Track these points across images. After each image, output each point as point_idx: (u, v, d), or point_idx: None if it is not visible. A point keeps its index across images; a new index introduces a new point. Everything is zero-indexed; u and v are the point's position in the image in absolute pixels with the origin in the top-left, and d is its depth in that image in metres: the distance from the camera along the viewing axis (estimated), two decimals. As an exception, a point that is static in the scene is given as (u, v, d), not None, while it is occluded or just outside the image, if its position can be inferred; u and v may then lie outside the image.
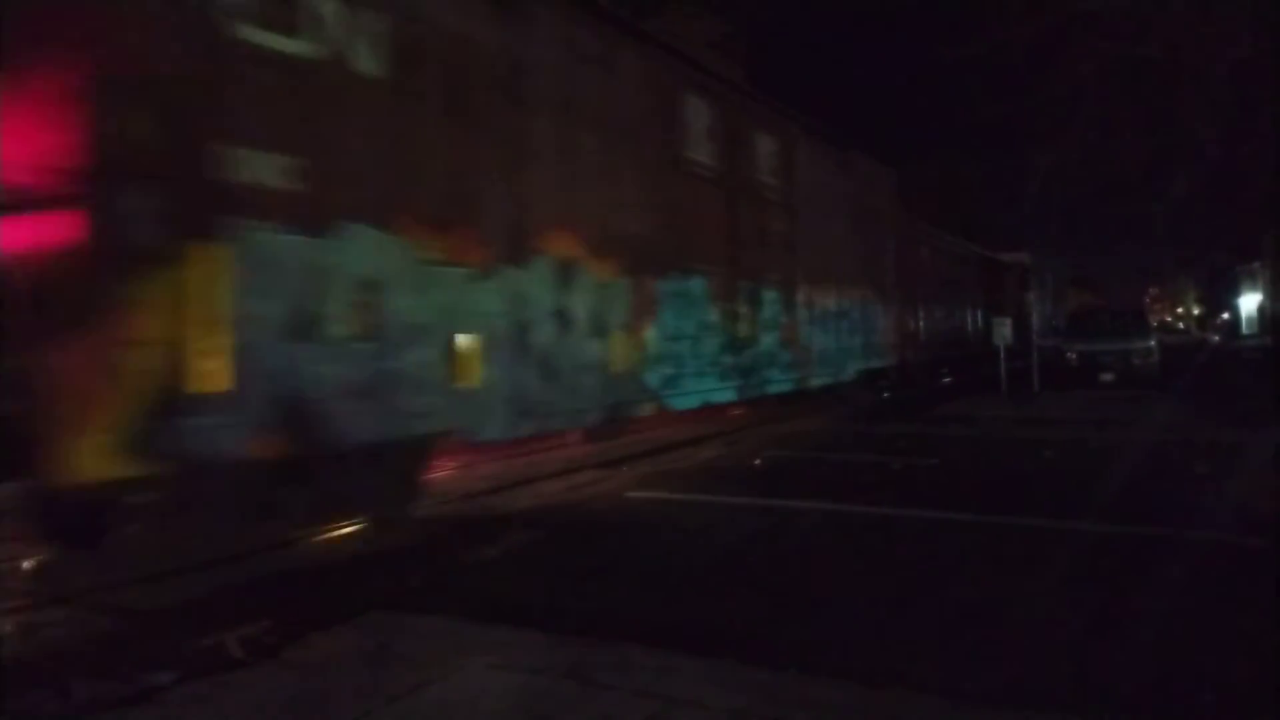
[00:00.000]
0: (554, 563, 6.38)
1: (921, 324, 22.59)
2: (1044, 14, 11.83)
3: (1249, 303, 50.88)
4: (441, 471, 9.79)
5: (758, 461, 10.74)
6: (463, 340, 7.20)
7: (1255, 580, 5.44)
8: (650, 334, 10.02)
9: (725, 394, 11.99)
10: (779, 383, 13.58)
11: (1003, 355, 18.86)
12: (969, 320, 28.54)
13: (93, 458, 4.77)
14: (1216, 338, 53.54)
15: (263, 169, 5.54)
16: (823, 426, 14.35)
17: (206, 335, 5.15)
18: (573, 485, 9.21)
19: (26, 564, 6.11)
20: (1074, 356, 20.03)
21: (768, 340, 13.16)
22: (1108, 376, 19.25)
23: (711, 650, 4.27)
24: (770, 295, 13.30)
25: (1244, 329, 50.73)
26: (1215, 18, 11.28)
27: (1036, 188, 13.61)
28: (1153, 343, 20.10)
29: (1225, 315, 59.42)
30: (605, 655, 4.22)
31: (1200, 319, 75.64)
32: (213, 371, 5.17)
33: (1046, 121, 13.21)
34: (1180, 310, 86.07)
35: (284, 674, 4.14)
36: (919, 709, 3.64)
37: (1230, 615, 4.80)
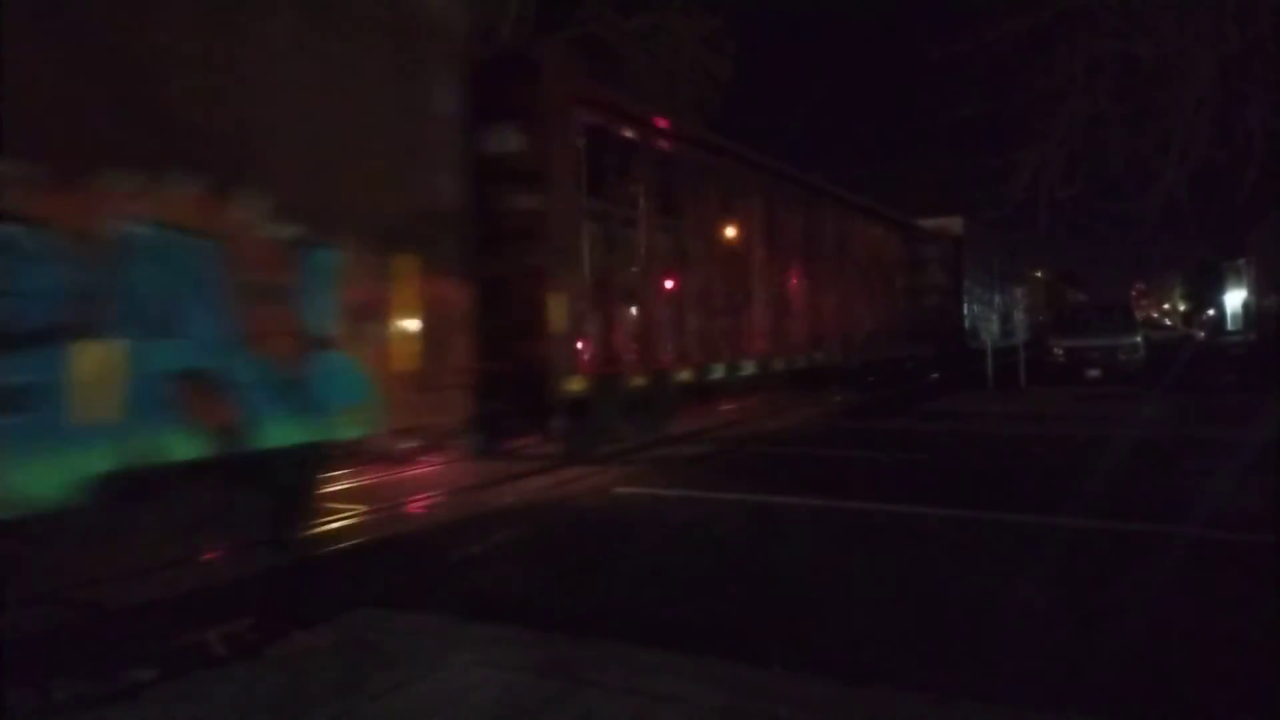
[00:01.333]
0: (539, 560, 6.36)
1: (718, 319, 13.13)
2: (1033, 11, 11.84)
3: (1234, 299, 51.11)
4: (426, 468, 9.76)
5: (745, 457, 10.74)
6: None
7: (1243, 576, 5.46)
8: None
9: None
10: None
11: (989, 353, 18.92)
12: (860, 314, 19.45)
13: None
14: (1202, 334, 53.82)
15: None
16: (811, 422, 14.35)
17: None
18: (560, 481, 9.18)
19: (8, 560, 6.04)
20: (1060, 353, 20.12)
21: None
22: (1094, 373, 19.34)
23: (697, 647, 4.25)
24: None
25: (1229, 325, 50.98)
26: (1203, 15, 11.31)
27: (1024, 184, 13.63)
28: (1139, 339, 20.20)
29: (1211, 311, 59.73)
30: (590, 652, 4.20)
31: (1186, 315, 76.06)
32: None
33: (1034, 117, 13.23)
34: (1166, 306, 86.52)
35: (266, 671, 4.10)
36: (905, 706, 3.63)
37: (1220, 611, 4.81)
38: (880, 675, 3.91)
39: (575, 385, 9.90)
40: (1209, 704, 3.72)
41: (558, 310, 9.62)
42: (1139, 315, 26.48)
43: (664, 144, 12.10)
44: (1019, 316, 31.78)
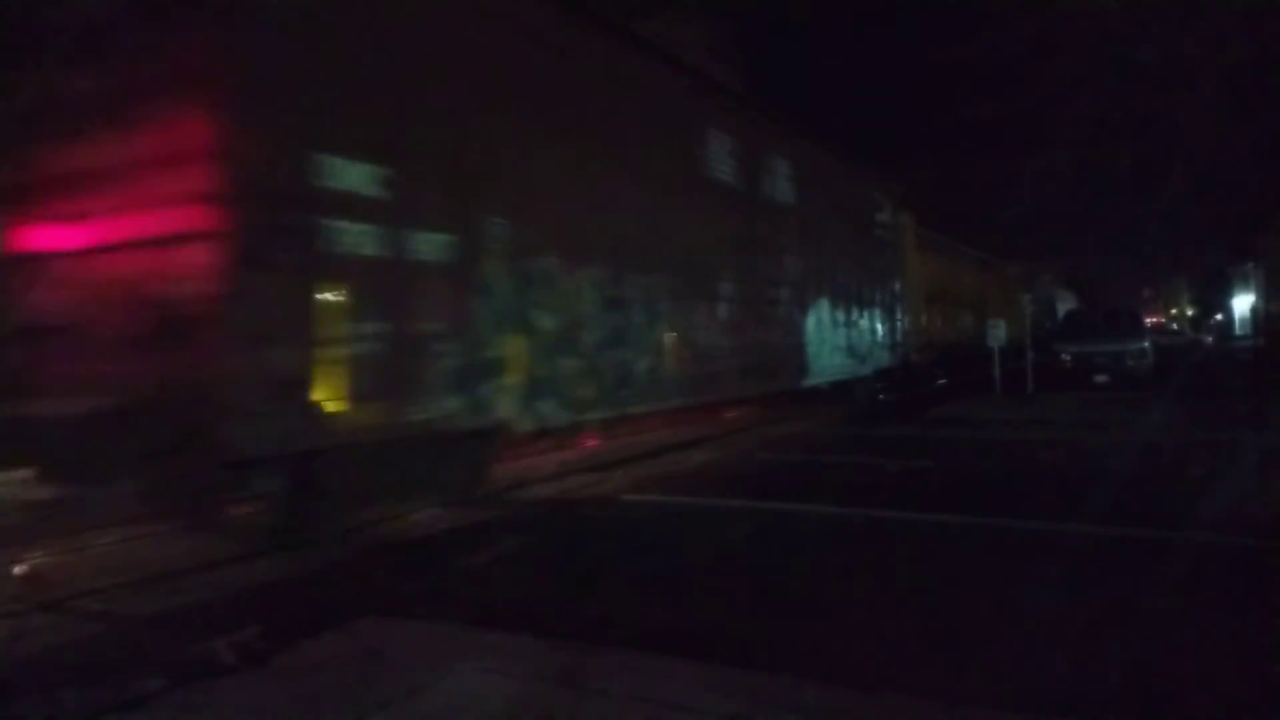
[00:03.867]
0: (547, 567, 6.36)
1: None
2: (1038, 15, 11.85)
3: (1242, 304, 50.97)
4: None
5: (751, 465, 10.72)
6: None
7: (1251, 582, 5.44)
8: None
9: None
10: None
11: (997, 357, 18.89)
12: None
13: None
14: (1210, 339, 53.64)
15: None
16: (818, 429, 14.33)
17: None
18: (566, 488, 9.18)
19: (17, 569, 6.07)
20: (1068, 358, 20.09)
21: None
22: (1102, 378, 19.29)
23: (706, 654, 4.25)
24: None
25: (1237, 330, 50.84)
26: (1209, 20, 11.31)
27: (1030, 188, 13.65)
28: (1146, 344, 20.15)
29: (1218, 316, 59.56)
30: (599, 660, 4.19)
31: (1194, 320, 75.84)
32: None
33: (1040, 122, 13.25)
34: (1174, 311, 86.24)
35: (275, 681, 4.11)
36: (913, 712, 3.63)
37: (1227, 617, 4.79)
38: (888, 682, 3.91)
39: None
40: (1215, 710, 3.70)
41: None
42: (1147, 320, 26.23)
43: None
44: (876, 328, 17.72)
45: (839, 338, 16.03)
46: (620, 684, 3.89)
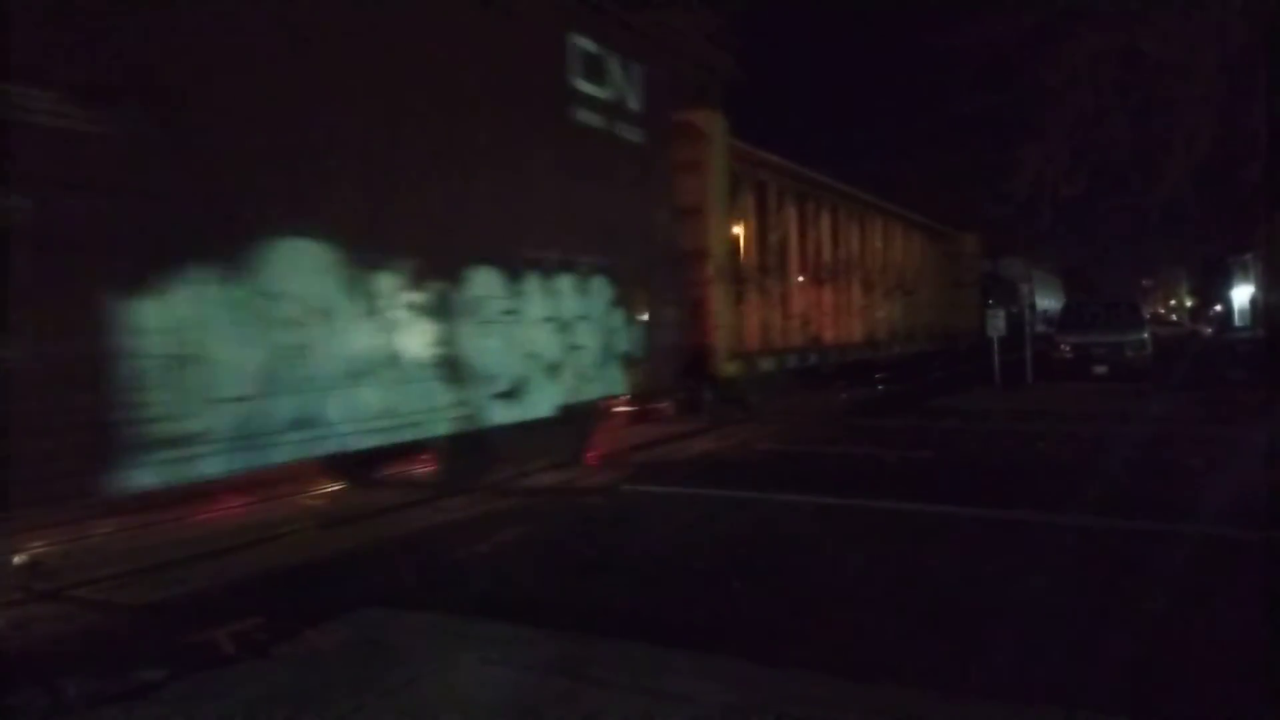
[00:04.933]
0: (546, 557, 6.37)
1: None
2: (1036, 5, 11.84)
3: (1241, 295, 50.91)
4: (431, 467, 9.77)
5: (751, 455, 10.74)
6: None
7: (1249, 574, 5.45)
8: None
9: None
10: None
11: (996, 348, 18.92)
12: None
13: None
14: (1209, 330, 53.64)
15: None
16: (817, 420, 14.35)
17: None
18: (565, 479, 9.19)
19: (18, 559, 6.09)
20: (1067, 349, 20.10)
21: None
22: (1101, 369, 19.30)
23: (705, 645, 4.27)
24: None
25: (1236, 321, 50.77)
26: (1207, 9, 11.29)
27: (1028, 180, 13.64)
28: (1146, 335, 20.15)
29: (1218, 307, 59.50)
30: (597, 650, 4.21)
31: (1193, 311, 75.81)
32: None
33: (1038, 112, 13.24)
34: (1173, 302, 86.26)
35: (276, 670, 4.12)
36: (912, 703, 3.64)
37: (1224, 609, 4.81)
38: (887, 672, 3.92)
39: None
40: (1213, 699, 3.72)
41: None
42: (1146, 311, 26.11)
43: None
44: (573, 321, 8.81)
45: (395, 344, 6.75)
46: (619, 674, 3.90)
